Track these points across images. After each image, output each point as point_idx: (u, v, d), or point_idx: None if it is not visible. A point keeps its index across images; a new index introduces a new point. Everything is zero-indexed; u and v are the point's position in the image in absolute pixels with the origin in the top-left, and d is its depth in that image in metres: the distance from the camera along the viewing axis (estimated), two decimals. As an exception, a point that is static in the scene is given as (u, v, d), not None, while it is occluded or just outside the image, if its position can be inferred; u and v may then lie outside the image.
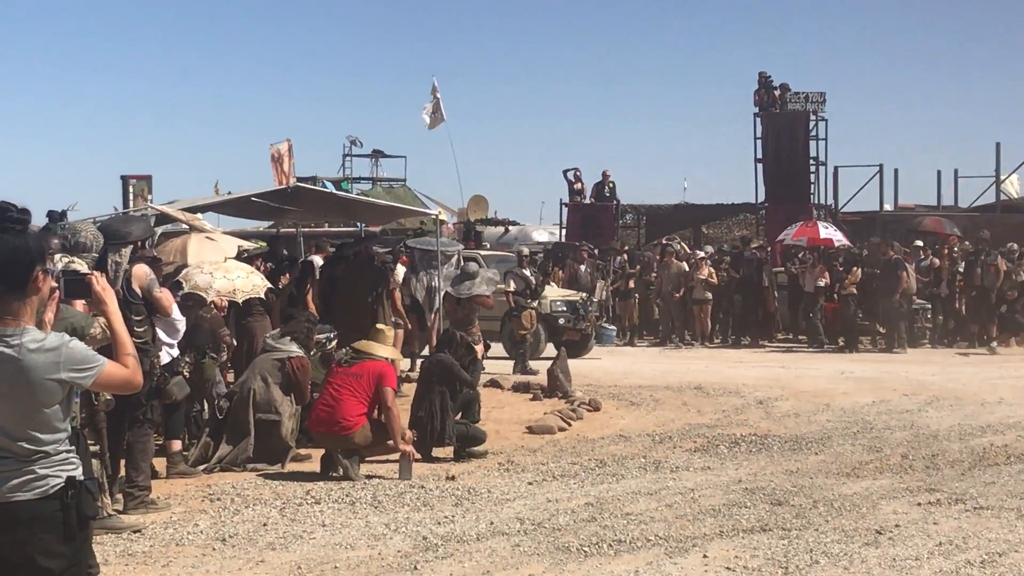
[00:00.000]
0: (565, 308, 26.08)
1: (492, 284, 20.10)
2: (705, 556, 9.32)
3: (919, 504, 11.24)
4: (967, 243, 32.73)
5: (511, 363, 22.98)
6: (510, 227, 45.10)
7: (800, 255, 31.84)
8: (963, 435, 15.45)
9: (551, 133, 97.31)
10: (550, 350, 25.55)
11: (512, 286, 23.89)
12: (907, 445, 14.70)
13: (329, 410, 12.89)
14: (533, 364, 22.66)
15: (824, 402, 18.60)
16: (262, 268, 17.48)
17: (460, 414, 14.36)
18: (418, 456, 13.42)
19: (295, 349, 13.68)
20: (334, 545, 9.81)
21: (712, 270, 31.18)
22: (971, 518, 10.66)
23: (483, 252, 28.23)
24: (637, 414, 17.64)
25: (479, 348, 15.23)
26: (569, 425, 16.30)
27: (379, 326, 14.14)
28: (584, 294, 27.47)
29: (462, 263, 22.02)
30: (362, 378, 13.01)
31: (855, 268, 29.49)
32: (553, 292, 26.99)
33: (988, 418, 16.88)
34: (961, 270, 30.86)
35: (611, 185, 40.19)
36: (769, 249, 32.77)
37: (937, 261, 30.90)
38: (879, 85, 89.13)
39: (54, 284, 5.39)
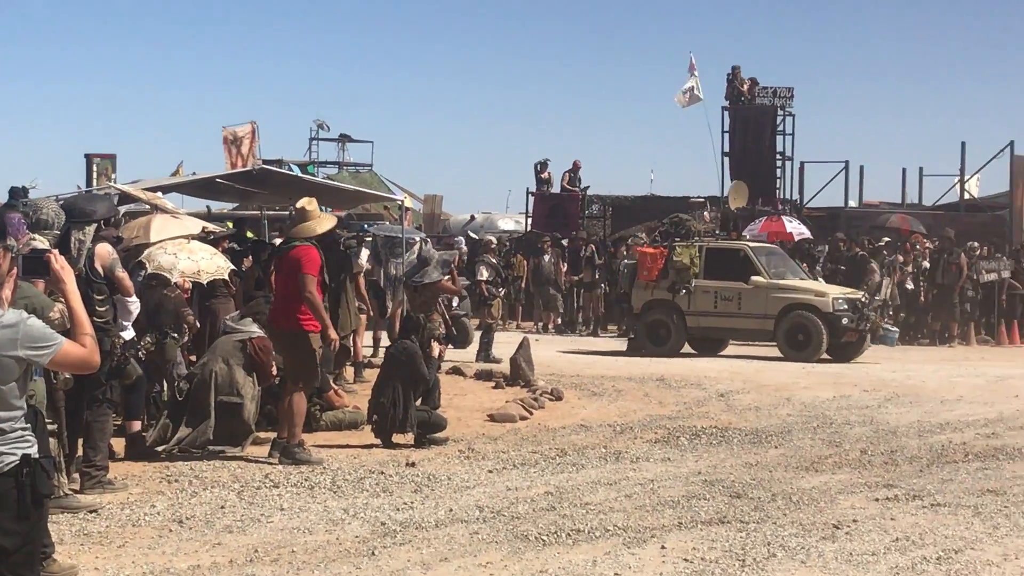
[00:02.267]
0: (847, 307, 25.14)
1: (447, 268, 19.92)
2: (663, 547, 9.33)
3: (877, 499, 11.28)
4: (928, 242, 32.95)
5: (474, 351, 22.96)
6: (476, 215, 45.14)
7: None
8: (922, 432, 15.51)
9: (519, 124, 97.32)
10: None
11: (484, 275, 23.85)
12: (866, 440, 14.75)
13: (283, 302, 12.93)
14: (496, 352, 22.65)
15: (785, 396, 18.65)
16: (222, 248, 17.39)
17: (421, 400, 14.32)
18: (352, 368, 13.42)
19: (256, 329, 13.57)
20: (292, 529, 9.78)
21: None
22: (928, 514, 10.69)
23: (751, 244, 27.35)
24: (599, 404, 17.66)
25: (436, 347, 15.07)
26: (531, 414, 16.29)
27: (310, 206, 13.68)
28: (864, 292, 26.72)
29: (422, 250, 21.94)
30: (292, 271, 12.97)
31: (802, 264, 29.56)
32: (834, 290, 26.12)
33: (947, 415, 16.95)
34: (926, 266, 31.05)
35: (578, 173, 40.11)
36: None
37: (901, 258, 31.03)
38: (846, 82, 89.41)
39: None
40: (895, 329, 28.15)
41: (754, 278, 25.50)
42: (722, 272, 25.82)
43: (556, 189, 40.32)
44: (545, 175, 40.43)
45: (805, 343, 24.85)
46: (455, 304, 24.73)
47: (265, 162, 33.91)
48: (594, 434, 15.04)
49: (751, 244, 27.33)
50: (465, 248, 31.28)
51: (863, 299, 25.71)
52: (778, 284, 25.52)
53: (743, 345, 26.93)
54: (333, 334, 12.96)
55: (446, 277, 19.29)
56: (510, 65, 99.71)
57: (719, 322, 25.90)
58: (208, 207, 28.82)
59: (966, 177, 40.14)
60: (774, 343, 25.54)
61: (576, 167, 40.09)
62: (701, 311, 25.81)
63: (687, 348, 26.07)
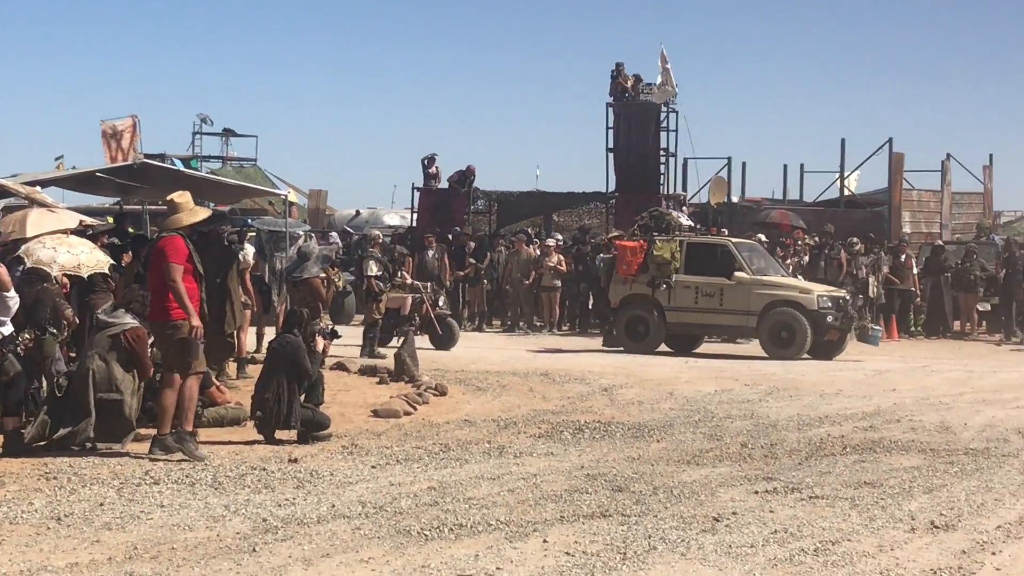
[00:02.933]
0: (831, 305, 24.97)
1: (326, 262, 19.84)
2: (545, 541, 9.37)
3: (756, 492, 11.41)
4: (811, 236, 33.39)
5: (358, 346, 22.89)
6: (361, 210, 45.03)
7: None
8: (801, 425, 15.72)
9: (406, 118, 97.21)
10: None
11: (373, 270, 23.74)
12: (747, 434, 14.92)
13: (154, 295, 12.88)
14: (381, 348, 22.61)
15: (668, 390, 18.81)
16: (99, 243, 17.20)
17: (304, 396, 14.25)
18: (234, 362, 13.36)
19: (129, 320, 13.34)
20: (172, 526, 9.69)
21: (561, 257, 31.41)
22: (806, 507, 10.83)
23: (733, 239, 27.16)
24: (483, 399, 17.70)
25: (320, 341, 14.99)
26: (415, 409, 16.29)
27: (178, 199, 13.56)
28: (846, 290, 26.59)
29: (301, 245, 21.84)
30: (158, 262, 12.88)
31: None
32: (819, 287, 25.93)
33: (826, 409, 17.20)
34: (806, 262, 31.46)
35: (472, 179, 40.09)
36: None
37: (781, 252, 31.41)
38: (730, 80, 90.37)
39: None
40: (879, 328, 27.86)
41: (737, 274, 25.29)
42: (703, 267, 25.59)
43: (444, 184, 40.33)
44: (432, 170, 40.36)
45: (789, 341, 24.72)
46: (440, 303, 24.68)
47: (147, 156, 33.62)
48: (478, 429, 15.07)
49: (733, 240, 27.11)
50: (340, 243, 31.18)
51: (845, 297, 25.70)
52: (761, 280, 25.35)
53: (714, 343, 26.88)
54: (196, 322, 12.84)
55: (321, 273, 19.16)
56: (397, 58, 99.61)
57: (700, 318, 25.65)
58: (119, 202, 28.47)
59: (846, 174, 40.75)
60: (755, 339, 25.42)
61: (470, 172, 40.06)
62: (681, 307, 25.60)
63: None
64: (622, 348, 25.89)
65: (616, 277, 26.31)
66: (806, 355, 24.87)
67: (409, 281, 25.17)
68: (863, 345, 26.37)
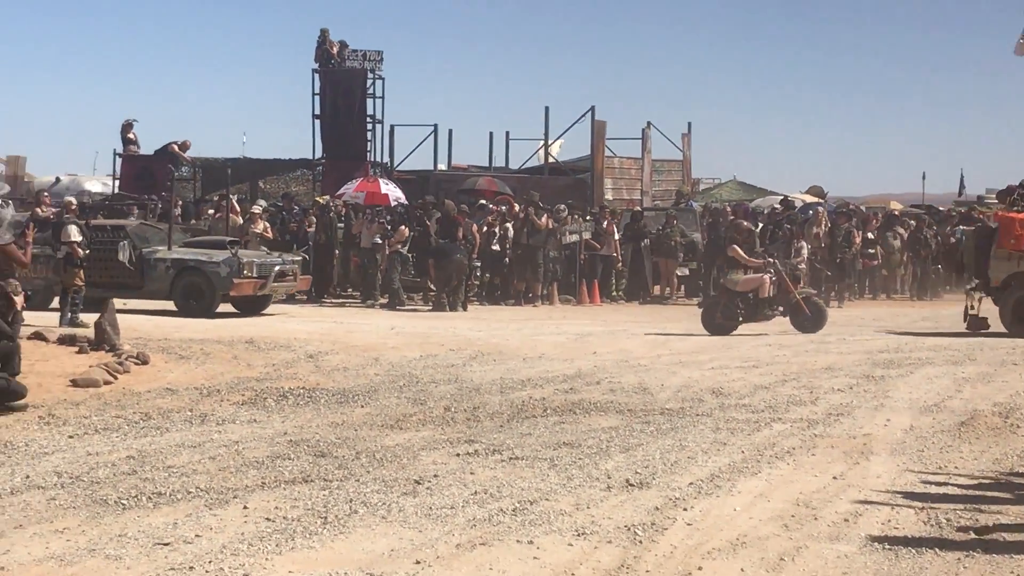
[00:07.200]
0: None
1: (18, 228, 19.22)
2: (245, 507, 9.34)
3: (458, 455, 11.55)
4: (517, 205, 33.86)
5: (57, 315, 22.34)
6: (61, 177, 43.89)
7: (366, 212, 31.97)
8: (504, 388, 15.92)
9: (109, 82, 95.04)
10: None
11: (75, 236, 23.09)
12: (450, 398, 15.05)
13: None
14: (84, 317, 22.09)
15: (373, 356, 18.82)
16: None
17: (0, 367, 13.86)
18: None
19: None
20: None
21: (267, 224, 31.18)
22: (506, 468, 11.01)
23: None
24: (186, 367, 17.44)
25: (18, 299, 14.62)
26: (115, 378, 15.98)
27: None
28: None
29: None
30: None
31: (401, 227, 30.03)
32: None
33: (529, 372, 17.44)
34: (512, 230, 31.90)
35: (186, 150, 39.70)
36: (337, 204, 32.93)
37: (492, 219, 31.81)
38: (436, 47, 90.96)
39: None
40: None
41: None
42: None
43: (144, 150, 39.66)
44: (131, 135, 39.69)
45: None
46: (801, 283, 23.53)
47: None
48: (180, 397, 14.88)
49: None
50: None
51: None
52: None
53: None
54: None
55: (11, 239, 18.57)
56: (97, 22, 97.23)
57: None
58: None
59: (550, 141, 41.41)
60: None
61: (186, 146, 39.71)
62: None
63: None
64: (1001, 332, 22.73)
65: (998, 253, 22.99)
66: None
67: (757, 259, 23.13)
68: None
